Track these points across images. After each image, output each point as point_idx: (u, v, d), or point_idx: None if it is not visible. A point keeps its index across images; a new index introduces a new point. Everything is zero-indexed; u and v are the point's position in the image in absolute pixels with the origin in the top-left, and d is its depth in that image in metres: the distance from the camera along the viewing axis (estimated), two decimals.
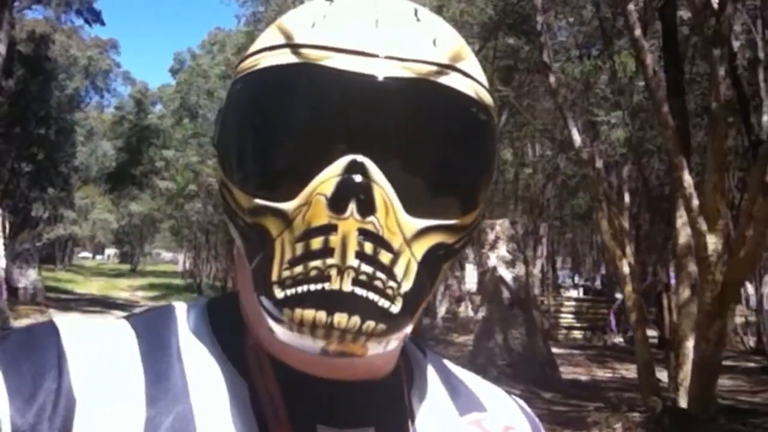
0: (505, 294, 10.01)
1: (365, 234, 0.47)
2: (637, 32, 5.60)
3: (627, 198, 9.62)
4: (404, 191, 0.48)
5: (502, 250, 10.25)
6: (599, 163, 6.96)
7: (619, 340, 16.26)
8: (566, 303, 18.63)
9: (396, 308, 0.48)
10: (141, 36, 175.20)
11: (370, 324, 0.47)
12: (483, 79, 0.55)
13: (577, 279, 28.17)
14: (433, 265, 0.51)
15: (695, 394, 6.02)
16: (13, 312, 13.03)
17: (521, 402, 0.68)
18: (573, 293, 23.20)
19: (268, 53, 0.52)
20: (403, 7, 0.53)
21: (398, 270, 0.48)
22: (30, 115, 19.64)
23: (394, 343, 0.49)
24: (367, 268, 0.47)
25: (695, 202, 5.85)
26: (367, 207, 0.46)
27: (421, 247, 0.49)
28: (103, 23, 19.01)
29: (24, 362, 0.49)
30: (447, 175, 0.51)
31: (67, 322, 0.54)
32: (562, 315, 18.27)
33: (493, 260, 10.20)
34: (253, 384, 0.53)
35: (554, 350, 14.61)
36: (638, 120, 10.87)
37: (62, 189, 21.92)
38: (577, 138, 6.70)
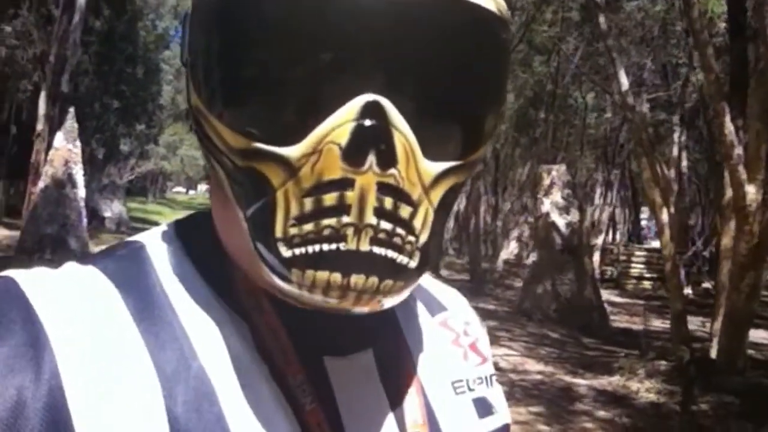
0: (558, 240, 9.96)
1: (385, 188, 0.42)
2: None
3: (676, 146, 9.21)
4: (424, 133, 0.42)
5: (557, 196, 10.14)
6: (644, 108, 6.73)
7: (688, 291, 15.84)
8: (637, 253, 18.18)
9: (414, 263, 0.44)
10: None
11: (389, 282, 0.43)
12: None
13: None
14: (446, 209, 0.47)
15: (724, 345, 5.94)
16: (95, 239, 14.04)
17: (461, 295, 0.69)
18: (656, 244, 22.58)
19: None
20: None
21: (417, 222, 0.44)
22: (117, 54, 20.53)
23: (407, 291, 0.46)
24: (386, 225, 0.42)
25: (737, 151, 5.65)
26: (388, 158, 0.41)
27: (437, 193, 0.45)
28: None
29: None
30: (468, 108, 0.46)
31: (29, 278, 0.47)
32: (633, 265, 17.90)
33: (546, 206, 10.12)
34: (253, 324, 0.49)
35: (617, 299, 14.52)
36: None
37: (148, 126, 23.00)
38: (624, 81, 6.50)
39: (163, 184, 54.64)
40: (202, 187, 76.67)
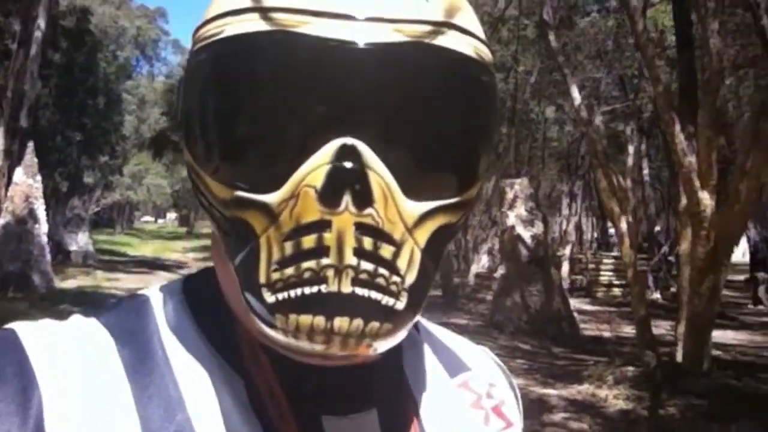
0: (524, 252, 10.07)
1: (363, 228, 0.42)
2: None
3: (631, 156, 9.42)
4: (403, 173, 0.43)
5: (521, 209, 10.27)
6: (598, 120, 6.89)
7: (656, 296, 16.06)
8: (605, 261, 18.41)
9: (401, 304, 0.44)
10: (190, 3, 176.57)
11: (374, 325, 0.43)
12: (481, 32, 0.49)
13: None
14: (437, 249, 0.46)
15: (688, 348, 6.07)
16: (60, 274, 13.81)
17: (491, 354, 0.66)
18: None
19: (233, 18, 0.45)
20: None
21: (401, 262, 0.43)
22: (78, 86, 20.36)
23: (402, 335, 0.45)
24: (367, 266, 0.42)
25: (688, 159, 5.80)
26: (363, 198, 0.41)
27: (424, 233, 0.45)
28: None
29: None
30: (449, 149, 0.46)
31: (29, 329, 0.48)
32: (602, 273, 18.09)
33: (511, 219, 10.24)
34: (249, 379, 0.49)
35: (588, 307, 14.64)
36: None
37: (111, 156, 22.78)
38: (576, 96, 6.66)
39: (130, 215, 54.01)
40: (171, 215, 75.99)
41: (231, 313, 0.51)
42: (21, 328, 0.47)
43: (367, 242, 0.42)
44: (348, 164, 0.41)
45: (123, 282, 14.16)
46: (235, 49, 0.44)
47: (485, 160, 0.48)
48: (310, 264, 0.42)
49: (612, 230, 27.49)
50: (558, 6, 8.57)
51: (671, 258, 17.44)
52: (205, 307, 0.52)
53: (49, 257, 11.63)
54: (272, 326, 0.43)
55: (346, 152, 0.41)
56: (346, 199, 0.41)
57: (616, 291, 17.44)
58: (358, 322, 0.42)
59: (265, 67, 0.43)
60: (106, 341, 0.48)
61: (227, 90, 0.44)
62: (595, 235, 25.22)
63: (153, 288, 0.55)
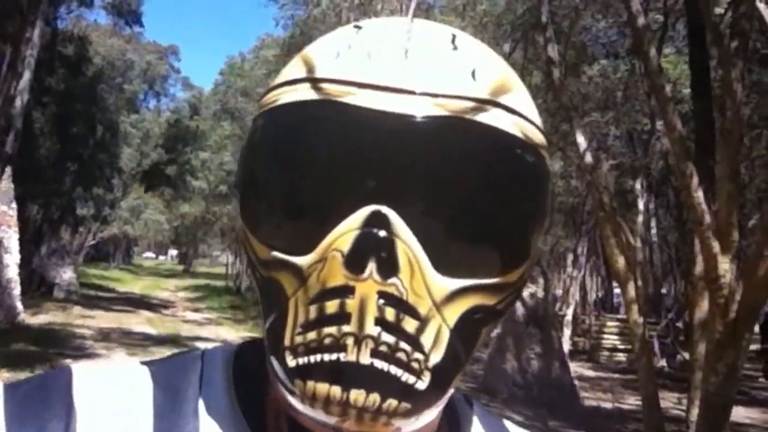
0: (521, 311, 9.34)
1: (387, 298, 0.41)
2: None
3: (641, 214, 8.73)
4: (434, 247, 0.42)
5: None
6: (605, 167, 6.26)
7: (662, 364, 15.23)
8: (609, 323, 17.63)
9: (423, 384, 0.42)
10: (203, 43, 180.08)
11: (392, 402, 0.41)
12: (533, 113, 0.48)
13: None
14: (470, 331, 0.45)
15: None
16: (34, 308, 13.12)
17: None
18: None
19: (288, 88, 0.47)
20: (440, 33, 0.48)
21: (426, 339, 0.42)
22: (76, 115, 19.96)
23: (428, 417, 0.44)
24: (388, 338, 0.41)
25: (707, 217, 5.13)
26: (389, 266, 0.41)
27: (454, 312, 0.43)
28: (141, 24, 19.10)
29: (31, 414, 0.46)
30: (486, 227, 0.44)
31: (83, 371, 0.51)
32: (605, 336, 17.33)
33: None
34: None
35: (588, 373, 13.87)
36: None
37: (106, 189, 22.26)
38: (581, 140, 6.03)
39: (129, 250, 53.39)
40: (172, 252, 75.47)
41: (266, 379, 0.50)
42: (76, 368, 0.51)
43: (390, 313, 0.41)
44: (376, 231, 0.41)
45: (97, 320, 13.42)
46: (283, 116, 0.47)
47: (530, 243, 0.47)
48: (331, 330, 0.42)
49: (617, 290, 26.82)
50: (565, 49, 8.02)
51: (679, 324, 16.67)
52: (245, 370, 0.52)
53: (17, 290, 10.98)
54: (291, 392, 0.43)
55: (376, 219, 0.42)
56: (371, 266, 0.41)
57: (620, 356, 16.70)
58: (374, 397, 0.41)
59: (308, 134, 0.45)
60: (146, 387, 0.50)
61: (273, 153, 0.46)
62: (599, 295, 24.45)
63: (212, 347, 0.56)
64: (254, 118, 0.50)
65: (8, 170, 10.77)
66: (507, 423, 0.60)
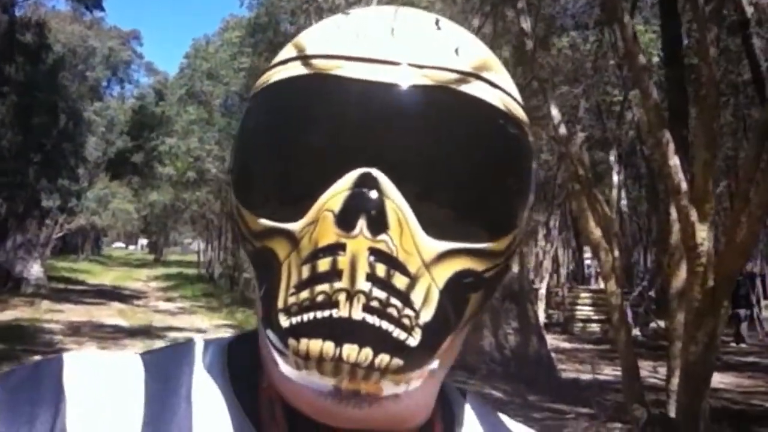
0: None
1: (377, 254, 0.42)
2: None
3: (615, 179, 8.72)
4: (423, 209, 0.44)
5: None
6: (578, 140, 6.19)
7: (636, 333, 15.42)
8: (582, 295, 17.78)
9: (414, 341, 0.43)
10: (166, 27, 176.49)
11: (384, 358, 0.42)
12: (514, 92, 0.50)
13: None
14: (459, 294, 0.46)
15: (683, 403, 5.28)
16: (1, 304, 12.78)
17: None
18: (603, 285, 22.32)
19: (281, 67, 0.49)
20: (424, 17, 0.50)
21: (416, 297, 0.43)
22: (38, 105, 19.36)
23: (415, 383, 0.44)
24: (379, 293, 0.42)
25: (683, 185, 5.09)
26: (378, 224, 0.42)
27: (443, 273, 0.44)
28: (102, 9, 18.47)
29: (21, 402, 0.47)
30: (471, 191, 0.46)
31: (75, 358, 0.51)
32: (579, 308, 17.47)
33: None
34: (262, 430, 0.49)
35: (564, 345, 13.98)
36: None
37: (71, 179, 21.72)
38: (555, 113, 5.95)
39: (98, 240, 52.48)
40: (143, 241, 74.48)
41: (262, 368, 0.51)
42: (68, 357, 0.51)
43: (381, 269, 0.42)
44: (366, 191, 0.43)
45: (66, 314, 13.12)
46: (275, 93, 0.48)
47: (515, 212, 0.48)
48: (323, 287, 0.42)
49: (587, 262, 27.08)
50: (535, 22, 7.92)
51: (651, 293, 16.88)
52: (240, 358, 0.52)
53: None
54: (284, 355, 0.44)
55: (365, 180, 0.43)
56: (361, 223, 0.42)
57: (594, 326, 16.86)
58: (367, 352, 0.42)
59: (299, 106, 0.46)
60: (138, 374, 0.50)
61: (266, 128, 0.48)
62: (571, 267, 24.66)
63: (202, 338, 0.57)
64: (248, 100, 0.51)
65: None
66: (501, 415, 0.60)
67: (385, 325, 0.42)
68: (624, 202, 17.43)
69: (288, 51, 0.50)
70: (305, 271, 0.43)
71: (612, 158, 8.82)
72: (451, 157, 0.44)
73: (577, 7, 10.77)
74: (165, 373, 0.51)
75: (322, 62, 0.46)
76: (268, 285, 0.45)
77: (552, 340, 12.16)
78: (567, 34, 10.74)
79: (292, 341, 0.42)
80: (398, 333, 0.42)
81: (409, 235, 0.43)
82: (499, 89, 0.48)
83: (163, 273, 31.55)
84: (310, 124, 0.45)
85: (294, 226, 0.44)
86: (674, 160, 5.10)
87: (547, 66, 10.42)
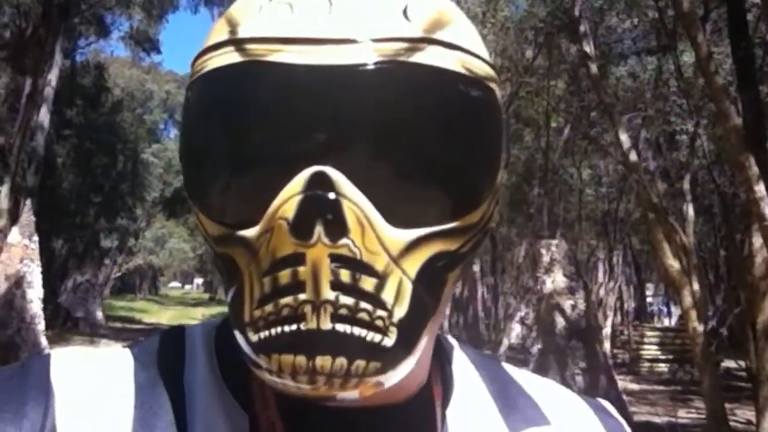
0: (561, 324, 8.87)
1: (339, 260, 0.40)
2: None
3: (691, 210, 8.26)
4: (383, 200, 0.41)
5: (559, 274, 9.12)
6: (651, 166, 5.85)
7: None
8: (649, 333, 17.02)
9: (390, 340, 0.41)
10: None
11: (360, 364, 0.40)
12: (475, 44, 0.45)
13: (674, 307, 26.14)
14: (435, 278, 0.43)
15: None
16: (62, 342, 12.93)
17: (604, 404, 0.57)
18: (666, 322, 21.39)
19: (214, 53, 0.44)
20: None
21: (387, 295, 0.41)
22: (96, 147, 19.95)
23: (402, 373, 0.42)
24: (347, 300, 0.40)
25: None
26: (337, 228, 0.40)
27: (414, 263, 0.42)
28: (159, 52, 19.15)
29: (7, 401, 0.46)
30: (435, 173, 0.42)
31: (62, 355, 0.50)
32: (645, 347, 16.73)
33: (549, 286, 9.09)
34: (254, 416, 0.47)
35: (632, 386, 13.32)
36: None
37: (130, 219, 22.21)
38: (624, 138, 5.65)
39: (155, 280, 53.51)
40: (198, 280, 75.63)
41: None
42: (55, 354, 0.49)
43: (345, 275, 0.40)
44: (319, 193, 0.39)
45: None
46: (210, 84, 0.44)
47: (485, 182, 0.45)
48: (287, 300, 0.40)
49: (649, 299, 26.09)
50: (594, 48, 7.65)
51: (722, 330, 16.03)
52: (228, 345, 0.48)
53: (42, 325, 10.73)
54: (258, 366, 0.42)
55: (317, 181, 0.40)
56: (319, 230, 0.39)
57: (662, 366, 16.12)
58: (341, 361, 0.40)
59: (236, 100, 0.42)
60: (127, 365, 0.49)
61: (205, 125, 0.44)
62: (633, 306, 23.80)
63: (194, 323, 0.55)
64: (187, 88, 0.47)
65: (29, 203, 10.58)
66: (509, 368, 0.57)
67: (357, 330, 0.40)
68: (691, 238, 16.75)
69: (220, 30, 0.45)
70: (267, 284, 0.41)
71: (686, 186, 8.38)
72: (410, 141, 0.41)
73: (635, 32, 10.47)
74: (153, 362, 0.49)
75: (257, 47, 0.42)
76: (234, 294, 0.43)
77: (619, 381, 11.59)
78: (625, 62, 10.42)
79: (263, 356, 0.40)
80: (372, 336, 0.40)
81: (371, 233, 0.40)
82: (457, 48, 0.43)
83: (218, 312, 31.79)
84: (250, 120, 0.41)
85: (250, 234, 0.41)
86: (759, 186, 4.74)
87: (611, 93, 10.09)
